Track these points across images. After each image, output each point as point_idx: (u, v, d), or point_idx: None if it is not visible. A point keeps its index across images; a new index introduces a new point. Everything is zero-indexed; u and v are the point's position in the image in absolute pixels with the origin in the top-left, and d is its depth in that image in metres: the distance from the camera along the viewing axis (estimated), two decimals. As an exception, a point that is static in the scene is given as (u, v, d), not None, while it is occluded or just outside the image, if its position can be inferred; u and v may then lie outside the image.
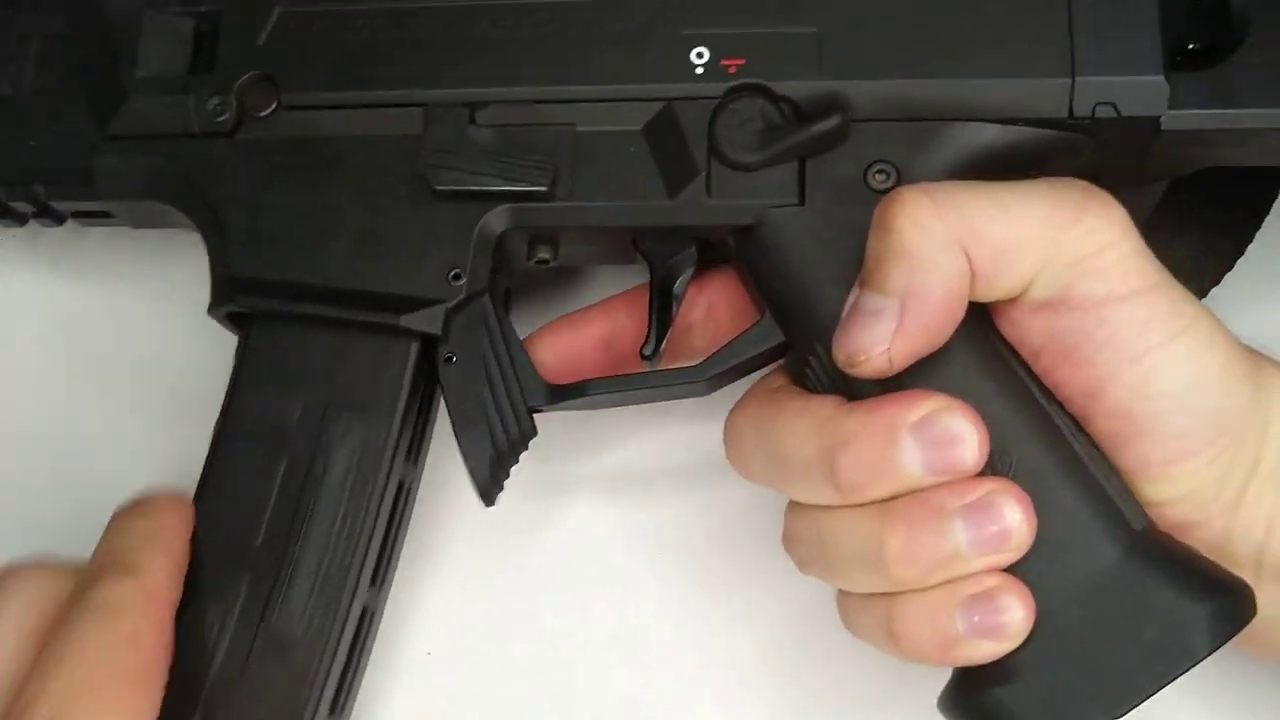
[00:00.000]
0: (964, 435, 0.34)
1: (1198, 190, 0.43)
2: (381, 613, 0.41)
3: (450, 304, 0.39)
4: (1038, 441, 0.36)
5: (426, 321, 0.39)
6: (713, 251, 0.41)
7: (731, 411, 0.40)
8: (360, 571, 0.38)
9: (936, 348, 0.35)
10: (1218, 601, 0.34)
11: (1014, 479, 0.35)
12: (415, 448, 0.41)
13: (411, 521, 0.44)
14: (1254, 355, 0.36)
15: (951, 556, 0.34)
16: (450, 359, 0.39)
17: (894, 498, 0.35)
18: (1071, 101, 0.38)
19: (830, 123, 0.38)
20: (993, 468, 0.35)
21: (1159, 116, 0.38)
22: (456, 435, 0.39)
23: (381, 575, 0.40)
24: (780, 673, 0.44)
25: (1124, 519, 0.35)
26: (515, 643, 0.45)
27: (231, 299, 0.40)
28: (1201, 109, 0.38)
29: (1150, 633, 0.34)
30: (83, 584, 0.35)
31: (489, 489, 0.39)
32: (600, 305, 0.43)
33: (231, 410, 0.40)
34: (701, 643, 0.45)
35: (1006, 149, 0.39)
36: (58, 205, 0.43)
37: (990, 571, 0.34)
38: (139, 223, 0.44)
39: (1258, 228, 0.43)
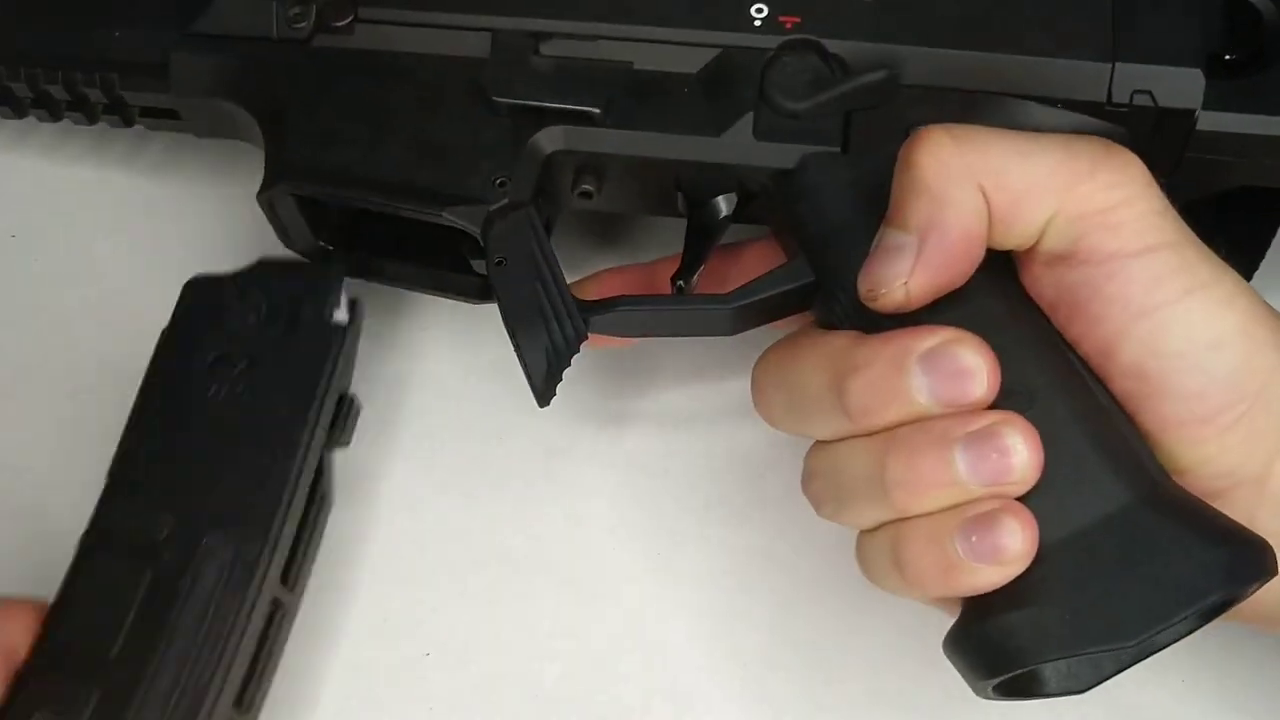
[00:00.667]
0: (974, 367, 0.34)
1: (1211, 214, 0.44)
2: None
3: (493, 206, 0.40)
4: (1060, 386, 0.36)
5: (468, 217, 0.40)
6: (750, 206, 0.42)
7: (757, 361, 0.40)
8: (220, 692, 0.37)
9: (956, 284, 0.36)
10: (1233, 549, 0.34)
11: (1034, 418, 0.35)
12: (295, 567, 0.41)
13: (411, 522, 0.45)
14: None
15: (951, 483, 0.34)
16: (501, 262, 0.40)
17: (902, 425, 0.35)
18: (1111, 86, 0.40)
19: (877, 75, 0.40)
20: (1013, 405, 0.35)
21: (1194, 111, 0.39)
22: (512, 334, 0.39)
23: (249, 698, 0.39)
24: (796, 671, 0.44)
25: (1144, 466, 0.35)
26: (515, 642, 0.44)
27: (282, 179, 0.41)
28: (1236, 112, 0.40)
29: (1166, 569, 0.33)
30: None
31: (546, 388, 0.39)
32: (645, 265, 0.44)
33: (99, 520, 0.39)
34: (703, 643, 0.44)
35: (1044, 130, 0.40)
36: (129, 97, 0.45)
37: (994, 498, 0.34)
38: (204, 129, 0.45)
39: (1266, 249, 0.44)
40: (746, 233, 0.44)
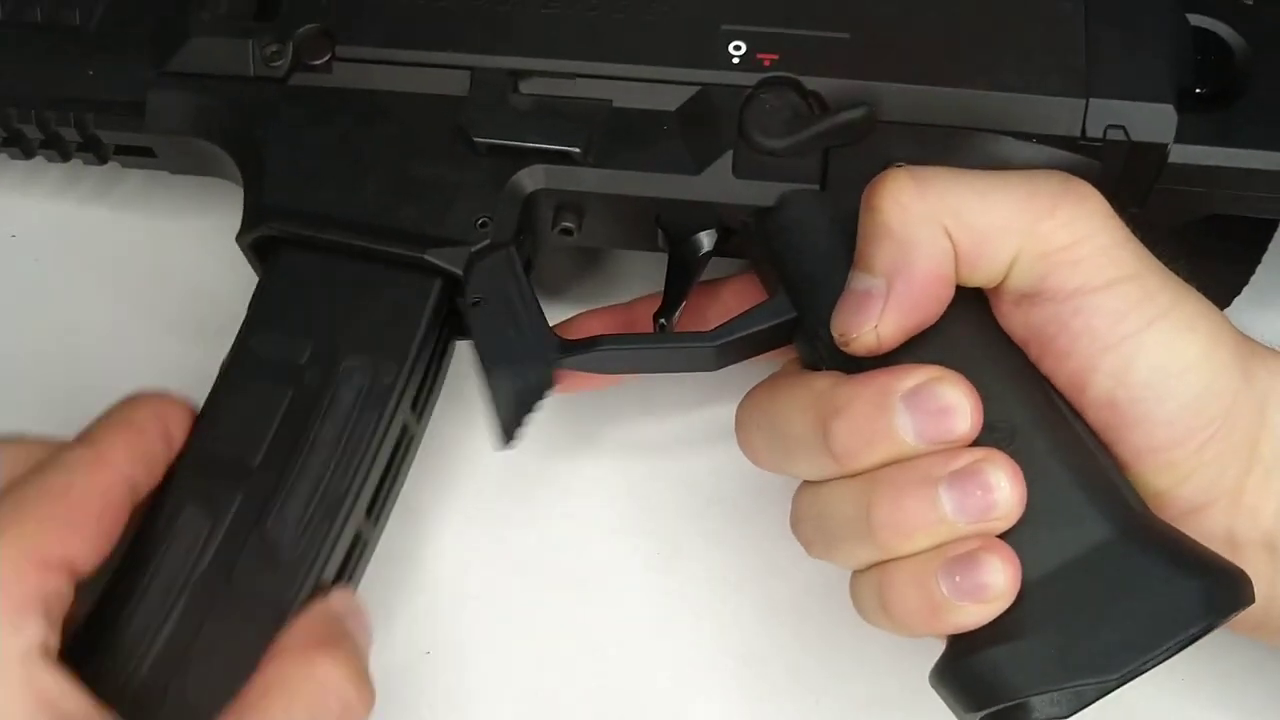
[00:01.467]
0: (957, 404, 0.35)
1: (1191, 240, 0.45)
2: (374, 546, 0.41)
3: (475, 247, 0.40)
4: (1040, 420, 0.37)
5: (450, 258, 0.40)
6: (730, 242, 0.42)
7: (741, 402, 0.40)
8: (357, 498, 0.38)
9: (927, 324, 0.36)
10: (1211, 580, 0.34)
11: (1015, 453, 0.36)
12: (422, 399, 0.42)
13: (410, 521, 0.45)
14: (1248, 342, 0.37)
15: (936, 523, 0.34)
16: (478, 303, 0.40)
17: (887, 465, 0.35)
18: (1085, 121, 0.40)
19: (855, 113, 0.40)
20: (995, 441, 0.36)
21: (1166, 145, 0.40)
22: (483, 371, 0.39)
23: (377, 510, 0.40)
24: (796, 673, 0.44)
25: (1123, 499, 0.36)
26: (515, 641, 0.45)
27: (262, 222, 0.41)
28: (1207, 145, 0.40)
29: (1147, 603, 0.34)
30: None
31: (510, 429, 0.40)
32: (624, 305, 0.45)
33: (245, 343, 0.40)
34: (703, 644, 0.44)
35: (1019, 164, 0.40)
36: (104, 135, 0.44)
37: (978, 537, 0.35)
38: (178, 165, 0.45)
39: (1250, 275, 0.45)
40: (727, 266, 0.44)
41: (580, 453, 0.47)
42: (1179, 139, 0.40)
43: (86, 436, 0.37)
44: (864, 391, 0.36)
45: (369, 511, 0.40)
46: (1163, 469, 0.36)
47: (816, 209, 0.40)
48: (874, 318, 0.36)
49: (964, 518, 0.34)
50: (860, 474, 0.36)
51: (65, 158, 0.46)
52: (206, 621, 0.37)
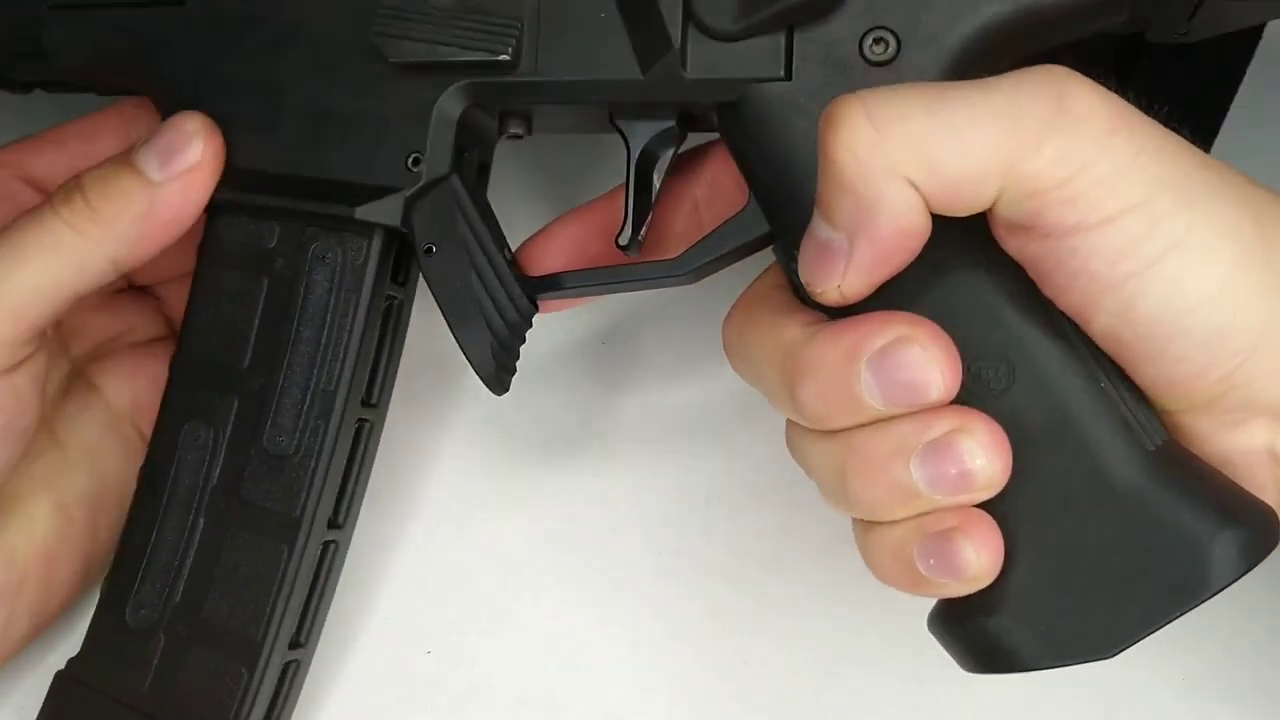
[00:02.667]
0: (927, 366, 0.31)
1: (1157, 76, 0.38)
2: (381, 427, 0.40)
3: (409, 191, 0.36)
4: (1041, 352, 0.32)
5: (384, 213, 0.36)
6: (697, 124, 0.37)
7: (726, 314, 0.37)
8: (350, 387, 0.37)
9: (895, 273, 0.32)
10: (1237, 528, 0.31)
11: (1014, 394, 0.32)
12: (403, 270, 0.39)
13: (410, 522, 0.44)
14: None
15: (911, 495, 0.32)
16: (430, 250, 0.37)
17: (860, 426, 0.32)
18: None
19: None
20: (988, 382, 0.32)
21: None
22: (452, 329, 0.37)
23: (376, 392, 0.39)
24: (796, 670, 0.44)
25: (1135, 437, 0.32)
26: (515, 641, 0.44)
27: None
28: None
29: (1161, 562, 0.31)
30: None
31: (497, 378, 0.37)
32: (597, 202, 0.40)
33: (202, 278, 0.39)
34: (703, 643, 0.44)
35: (1031, 9, 0.34)
36: (16, 77, 0.41)
37: (958, 509, 0.32)
38: (103, 90, 0.41)
39: (1231, 98, 0.38)
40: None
41: (580, 453, 0.45)
42: None
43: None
44: (830, 353, 0.32)
45: (365, 400, 0.39)
46: (1181, 398, 0.32)
47: (783, 105, 0.34)
48: (837, 275, 0.31)
49: (939, 492, 0.31)
50: (835, 433, 0.33)
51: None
52: (224, 539, 0.38)
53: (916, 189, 0.30)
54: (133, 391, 0.43)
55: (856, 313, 0.32)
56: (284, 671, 0.39)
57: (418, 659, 0.44)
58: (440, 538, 0.45)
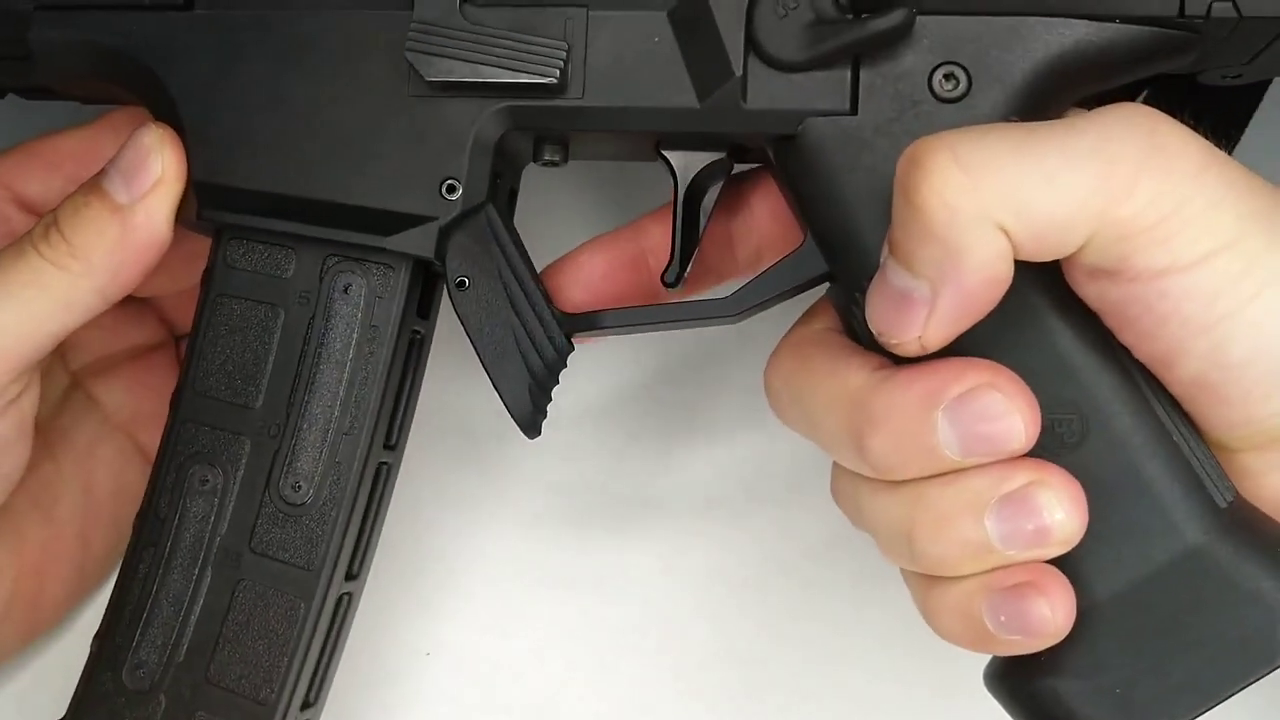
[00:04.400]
0: (1008, 415, 0.30)
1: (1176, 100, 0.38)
2: (398, 469, 0.38)
3: (444, 221, 0.34)
4: (1116, 408, 0.32)
5: (416, 243, 0.34)
6: (749, 156, 0.35)
7: (770, 358, 0.35)
8: (374, 430, 0.35)
9: (977, 321, 0.31)
10: None
11: (1087, 447, 0.31)
12: (428, 301, 0.37)
13: (410, 522, 0.43)
14: None
15: (983, 550, 0.31)
16: (463, 283, 0.34)
17: (931, 478, 0.31)
18: None
19: (892, 19, 0.32)
20: (1062, 437, 0.31)
21: None
22: (486, 368, 0.35)
23: (396, 433, 0.37)
24: (797, 670, 0.43)
25: (1208, 494, 0.31)
26: (515, 641, 0.44)
27: (197, 210, 0.35)
28: None
29: (1233, 625, 0.30)
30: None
31: (532, 420, 0.35)
32: (629, 229, 0.38)
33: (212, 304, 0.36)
34: (703, 642, 0.43)
35: (1099, 51, 0.33)
36: None
37: (1030, 564, 0.31)
38: (91, 99, 0.38)
39: (1239, 137, 0.38)
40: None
41: (580, 453, 0.44)
42: None
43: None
44: (904, 402, 0.31)
45: (387, 439, 0.36)
46: (1249, 437, 0.31)
47: (847, 140, 0.33)
48: (918, 326, 0.30)
49: (1014, 548, 0.30)
50: (901, 484, 0.32)
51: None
52: (234, 593, 0.35)
53: (1007, 236, 0.29)
54: (133, 403, 0.41)
55: (928, 359, 0.31)
56: None
57: (418, 659, 0.44)
58: (439, 538, 0.44)
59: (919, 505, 0.31)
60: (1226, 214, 0.30)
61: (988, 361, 0.31)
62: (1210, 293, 0.30)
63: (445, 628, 0.44)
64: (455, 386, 0.43)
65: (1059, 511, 0.30)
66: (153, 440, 0.36)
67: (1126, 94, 0.36)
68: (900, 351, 0.31)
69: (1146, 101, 0.37)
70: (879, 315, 0.31)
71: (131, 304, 0.41)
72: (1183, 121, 0.30)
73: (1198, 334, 0.30)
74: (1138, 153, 0.29)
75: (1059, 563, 0.31)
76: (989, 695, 0.39)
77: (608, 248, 0.37)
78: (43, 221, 0.35)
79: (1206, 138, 0.31)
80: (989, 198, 0.29)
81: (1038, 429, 0.30)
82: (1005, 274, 0.30)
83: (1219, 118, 0.37)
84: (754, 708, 0.43)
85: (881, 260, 0.31)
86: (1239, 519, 0.31)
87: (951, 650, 0.33)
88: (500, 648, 0.44)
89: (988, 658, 0.34)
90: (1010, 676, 0.33)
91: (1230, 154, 0.34)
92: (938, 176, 0.29)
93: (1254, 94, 0.39)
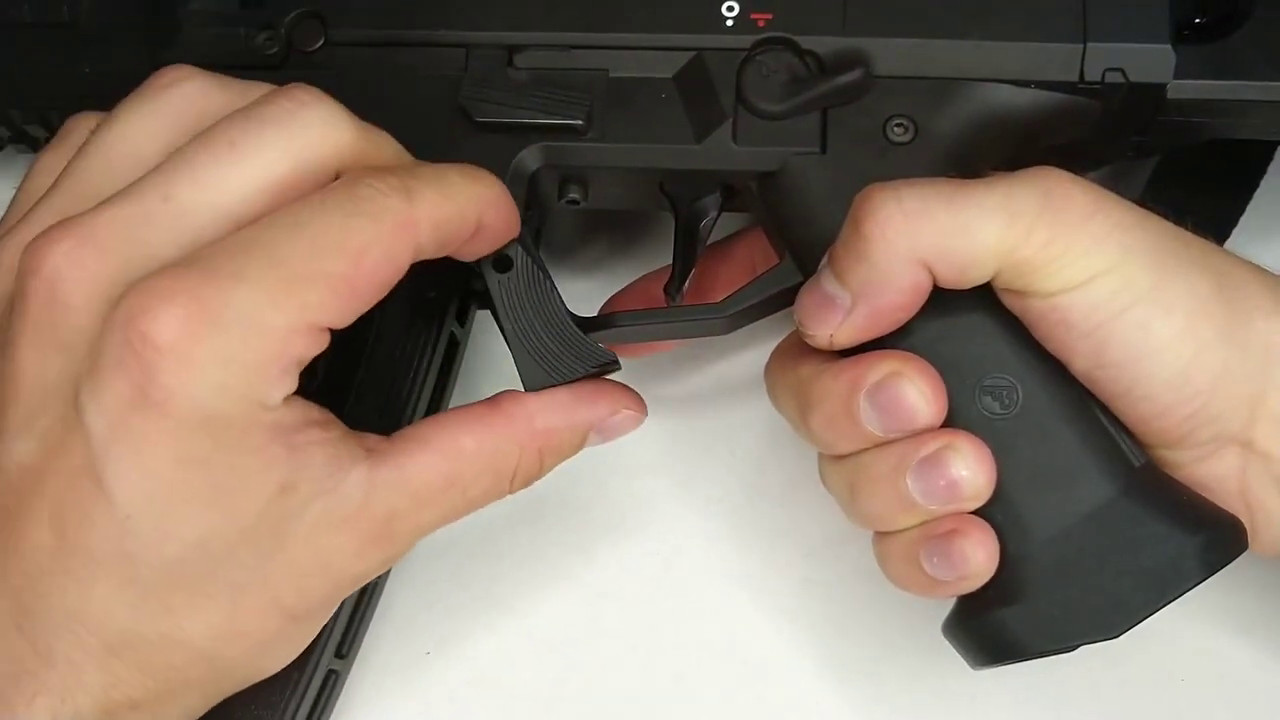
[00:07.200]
0: (916, 399, 0.37)
1: (1187, 167, 0.45)
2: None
3: None
4: (1043, 380, 0.38)
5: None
6: (735, 199, 0.43)
7: (768, 362, 0.42)
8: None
9: (879, 336, 0.38)
10: (1210, 533, 0.36)
11: (1022, 414, 0.37)
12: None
13: None
14: (1246, 309, 0.37)
15: (909, 505, 0.37)
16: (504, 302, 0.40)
17: (865, 450, 0.38)
18: (1083, 66, 0.40)
19: (852, 75, 0.40)
20: (1002, 403, 0.38)
21: (1165, 84, 0.40)
22: (520, 371, 0.39)
23: None
24: (796, 669, 0.45)
25: (1124, 456, 0.37)
26: (515, 642, 0.45)
27: None
28: (1205, 79, 0.40)
29: (1146, 561, 0.36)
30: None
31: None
32: (643, 280, 0.46)
33: None
34: (703, 642, 0.45)
35: (1018, 111, 0.41)
36: None
37: (956, 515, 0.37)
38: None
39: (1248, 201, 0.45)
40: (739, 220, 0.45)
41: (580, 452, 0.45)
42: (1178, 75, 0.40)
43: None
44: (834, 388, 0.37)
45: None
46: (1154, 434, 0.37)
47: (818, 173, 0.40)
48: (832, 326, 0.37)
49: (934, 502, 0.36)
50: (845, 457, 0.38)
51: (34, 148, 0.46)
52: None
53: (929, 270, 0.36)
54: None
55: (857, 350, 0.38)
56: None
57: (418, 659, 0.45)
58: (438, 538, 0.43)
59: (857, 471, 0.38)
60: (1110, 247, 0.36)
61: (900, 352, 0.37)
62: (1089, 306, 0.36)
63: (445, 628, 0.45)
64: (455, 388, 0.45)
65: (964, 469, 0.36)
66: None
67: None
68: (812, 344, 0.38)
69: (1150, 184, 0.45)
70: (804, 309, 0.38)
71: None
72: (1180, 225, 0.38)
73: (1081, 338, 0.37)
74: (1034, 207, 0.36)
75: (1005, 512, 0.37)
76: (991, 695, 0.43)
77: (622, 296, 0.45)
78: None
79: (1194, 232, 0.38)
80: (920, 240, 0.36)
81: (942, 408, 0.37)
82: (913, 303, 0.37)
83: (1210, 214, 0.44)
84: (754, 708, 0.44)
85: (820, 266, 0.38)
86: (1149, 477, 0.37)
87: (951, 651, 0.38)
88: (500, 647, 0.45)
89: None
90: (962, 619, 0.38)
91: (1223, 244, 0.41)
92: (883, 214, 0.36)
93: (1244, 193, 0.46)
